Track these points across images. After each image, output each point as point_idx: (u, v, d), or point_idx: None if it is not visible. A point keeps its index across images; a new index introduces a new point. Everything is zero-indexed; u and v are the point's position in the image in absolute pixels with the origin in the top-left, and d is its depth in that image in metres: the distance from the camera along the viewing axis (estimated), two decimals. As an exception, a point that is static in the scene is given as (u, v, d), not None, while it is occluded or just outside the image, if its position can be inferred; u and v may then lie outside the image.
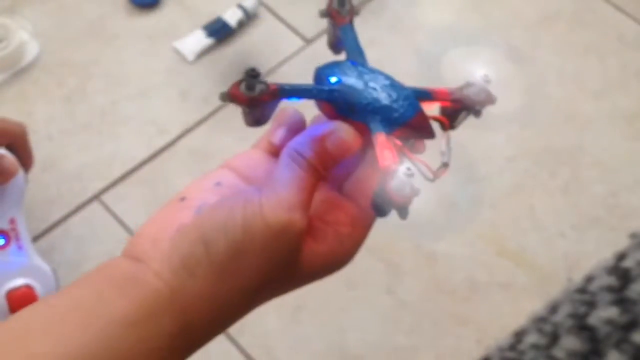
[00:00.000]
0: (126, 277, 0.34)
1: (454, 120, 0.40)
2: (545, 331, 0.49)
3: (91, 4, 0.99)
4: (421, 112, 0.38)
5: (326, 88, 0.37)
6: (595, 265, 0.49)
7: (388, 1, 1.00)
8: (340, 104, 0.37)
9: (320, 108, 0.38)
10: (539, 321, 0.51)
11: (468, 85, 0.40)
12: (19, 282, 0.69)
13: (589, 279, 0.48)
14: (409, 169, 0.34)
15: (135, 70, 0.94)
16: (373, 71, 0.38)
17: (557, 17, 1.02)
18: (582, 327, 0.45)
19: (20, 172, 0.70)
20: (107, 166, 0.87)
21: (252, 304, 0.36)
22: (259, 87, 0.35)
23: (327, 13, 0.41)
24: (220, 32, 0.96)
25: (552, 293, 0.53)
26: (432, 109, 0.40)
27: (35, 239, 0.81)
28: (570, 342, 0.45)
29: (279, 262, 0.35)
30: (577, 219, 0.86)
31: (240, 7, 0.97)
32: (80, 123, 0.90)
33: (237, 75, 0.36)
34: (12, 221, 0.69)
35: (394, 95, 0.37)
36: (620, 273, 0.45)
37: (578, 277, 0.50)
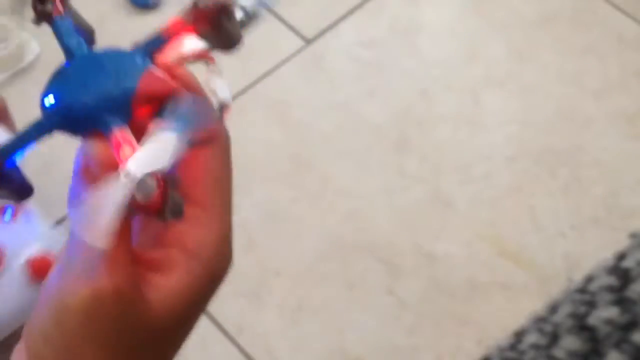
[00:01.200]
0: None
1: (223, 43, 0.33)
2: (545, 331, 0.49)
3: (91, 4, 0.99)
4: (146, 73, 0.31)
5: (42, 120, 0.31)
6: (595, 265, 0.49)
7: (388, 1, 1.00)
8: (67, 127, 0.31)
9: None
10: (539, 321, 0.51)
11: None
12: (36, 247, 0.67)
13: (589, 279, 0.48)
14: (129, 172, 0.28)
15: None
16: (89, 59, 0.32)
17: (557, 17, 1.02)
18: (582, 327, 0.45)
19: None
20: (107, 166, 0.87)
21: None
22: None
23: (39, 16, 0.33)
24: (220, 32, 0.96)
25: (552, 293, 0.53)
26: (185, 47, 0.33)
27: (35, 239, 0.81)
28: (570, 342, 0.45)
29: (118, 337, 0.29)
30: (577, 219, 0.86)
31: (240, 7, 0.97)
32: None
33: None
34: None
35: (113, 75, 0.31)
36: (620, 273, 0.45)
37: (578, 277, 0.50)
